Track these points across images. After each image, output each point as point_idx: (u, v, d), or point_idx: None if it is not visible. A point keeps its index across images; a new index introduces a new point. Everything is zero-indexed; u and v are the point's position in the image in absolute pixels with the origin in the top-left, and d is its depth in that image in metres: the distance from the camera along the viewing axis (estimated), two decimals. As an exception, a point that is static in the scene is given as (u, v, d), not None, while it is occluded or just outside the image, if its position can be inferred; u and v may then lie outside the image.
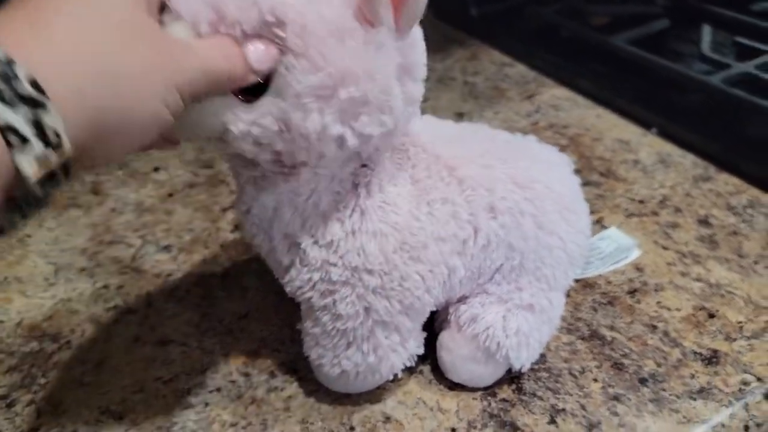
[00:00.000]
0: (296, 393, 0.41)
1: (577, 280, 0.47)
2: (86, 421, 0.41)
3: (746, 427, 0.38)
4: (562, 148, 0.61)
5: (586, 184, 0.57)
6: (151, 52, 0.25)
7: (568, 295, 0.46)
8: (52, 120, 0.22)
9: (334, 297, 0.35)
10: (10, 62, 0.21)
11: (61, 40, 0.23)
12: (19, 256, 0.55)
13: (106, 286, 0.51)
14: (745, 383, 0.40)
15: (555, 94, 0.70)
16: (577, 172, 0.58)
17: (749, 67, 0.62)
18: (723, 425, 0.38)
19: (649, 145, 0.61)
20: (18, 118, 0.21)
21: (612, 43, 0.69)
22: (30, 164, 0.22)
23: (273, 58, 0.28)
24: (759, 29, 0.69)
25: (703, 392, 0.39)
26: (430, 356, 0.43)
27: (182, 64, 0.26)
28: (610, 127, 0.64)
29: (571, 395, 0.40)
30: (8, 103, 0.21)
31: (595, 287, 0.47)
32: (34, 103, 0.21)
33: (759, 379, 0.40)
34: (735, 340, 0.42)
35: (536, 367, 0.42)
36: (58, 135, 0.22)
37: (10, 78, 0.21)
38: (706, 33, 0.69)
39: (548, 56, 0.73)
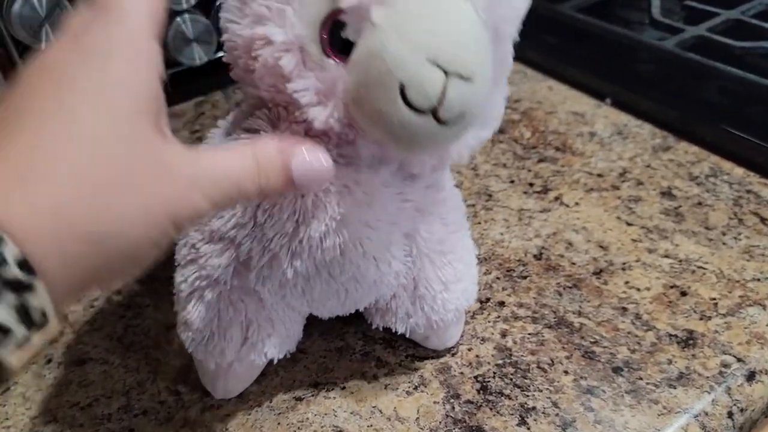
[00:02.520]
0: (234, 411, 0.36)
1: (537, 260, 0.44)
2: (-12, 461, 0.35)
3: (730, 414, 0.35)
4: (515, 124, 0.58)
5: (542, 160, 0.53)
6: (152, 185, 0.21)
7: (530, 281, 0.43)
8: (38, 301, 0.19)
9: None
10: None
11: (45, 191, 0.19)
12: None
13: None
14: (726, 365, 0.37)
15: (503, 67, 0.66)
16: (532, 148, 0.55)
17: (701, 30, 0.59)
18: (706, 413, 0.35)
19: (604, 116, 0.58)
20: (2, 310, 0.18)
21: (560, 11, 0.66)
22: (10, 353, 0.19)
23: (324, 176, 0.25)
24: (708, -8, 0.66)
25: (682, 378, 0.36)
26: (385, 359, 0.38)
27: (193, 194, 0.22)
28: (563, 100, 0.60)
29: (541, 391, 0.36)
30: None
31: (559, 269, 0.43)
32: (20, 287, 0.19)
33: (739, 360, 0.37)
34: (710, 318, 0.39)
35: (501, 362, 0.38)
36: (44, 314, 0.19)
37: None
38: (655, -2, 0.66)
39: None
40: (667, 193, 0.49)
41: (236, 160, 0.24)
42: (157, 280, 0.45)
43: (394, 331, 0.37)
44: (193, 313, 0.33)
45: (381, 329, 0.38)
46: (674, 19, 0.64)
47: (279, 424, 0.35)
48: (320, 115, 0.26)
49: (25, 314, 0.19)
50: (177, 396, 0.37)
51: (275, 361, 0.35)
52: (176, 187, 0.22)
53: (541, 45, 0.65)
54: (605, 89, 0.59)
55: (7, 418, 0.37)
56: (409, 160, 0.30)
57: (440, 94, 0.23)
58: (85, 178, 0.20)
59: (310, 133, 0.27)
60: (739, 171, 0.50)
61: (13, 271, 0.19)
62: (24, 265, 0.19)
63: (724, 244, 0.44)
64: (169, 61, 0.63)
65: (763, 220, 0.46)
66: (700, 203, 0.48)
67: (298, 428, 0.35)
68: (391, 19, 0.23)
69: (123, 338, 0.41)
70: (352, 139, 0.27)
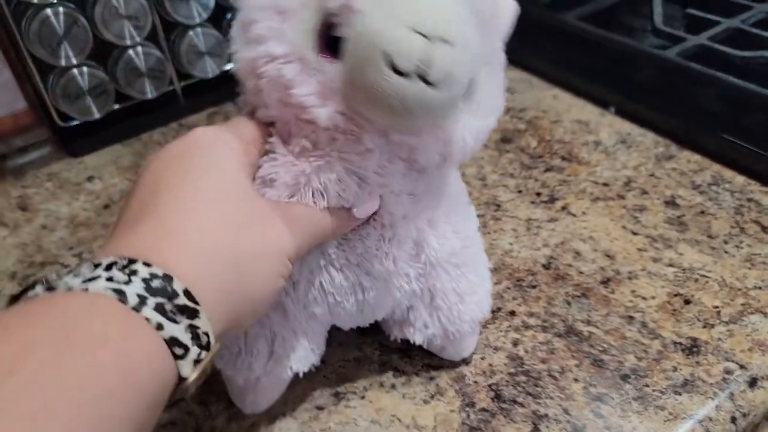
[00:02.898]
0: (258, 421, 0.38)
1: (546, 270, 0.45)
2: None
3: (733, 419, 0.37)
4: (521, 133, 0.59)
5: (548, 169, 0.55)
6: (265, 229, 0.27)
7: (540, 290, 0.44)
8: (203, 324, 0.24)
9: None
10: (167, 278, 0.23)
11: (193, 240, 0.25)
12: (-62, 287, 0.49)
13: (40, 314, 0.46)
14: (728, 372, 0.38)
15: (508, 75, 0.67)
16: (539, 157, 0.56)
17: (702, 39, 0.60)
18: (710, 419, 0.36)
19: (608, 124, 0.59)
20: (180, 330, 0.23)
21: (562, 20, 0.67)
22: (190, 368, 0.23)
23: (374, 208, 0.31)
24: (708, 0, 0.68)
25: (687, 385, 0.38)
26: (402, 368, 0.40)
27: (294, 237, 0.28)
28: (567, 108, 0.62)
29: (553, 399, 0.38)
30: (171, 319, 0.23)
31: (567, 279, 0.45)
32: (190, 314, 0.23)
33: (741, 366, 0.39)
34: (713, 326, 0.41)
35: (514, 370, 0.40)
36: (207, 335, 0.24)
37: (171, 296, 0.23)
38: (657, 5, 0.67)
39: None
40: (670, 202, 0.51)
41: (320, 218, 0.30)
42: (178, 293, 0.46)
43: (412, 342, 0.38)
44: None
45: (398, 341, 0.39)
46: (676, 26, 0.66)
47: (301, 429, 0.37)
48: (323, 114, 0.28)
49: (195, 335, 0.23)
50: (204, 407, 0.39)
51: (300, 375, 0.36)
52: (278, 229, 0.28)
53: (546, 53, 0.66)
54: (609, 98, 0.61)
55: None
56: (415, 148, 0.31)
57: (424, 55, 0.25)
58: (220, 225, 0.26)
59: (318, 145, 0.29)
60: (740, 179, 0.52)
61: (183, 300, 0.23)
62: (189, 295, 0.23)
63: (726, 252, 0.46)
64: (182, 74, 0.64)
65: (763, 228, 0.48)
66: (702, 212, 0.49)
67: (321, 437, 0.37)
68: (373, 2, 0.25)
69: (149, 350, 0.43)
70: (358, 134, 0.29)
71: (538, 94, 0.64)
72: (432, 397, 0.39)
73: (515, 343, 0.41)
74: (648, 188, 0.52)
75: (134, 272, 0.23)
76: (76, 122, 0.60)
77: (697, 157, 0.55)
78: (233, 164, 0.28)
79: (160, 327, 0.22)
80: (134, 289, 0.22)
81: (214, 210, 0.26)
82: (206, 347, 0.24)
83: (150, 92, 0.62)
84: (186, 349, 0.23)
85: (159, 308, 0.22)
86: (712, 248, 0.46)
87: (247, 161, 0.29)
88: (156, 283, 0.23)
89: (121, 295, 0.22)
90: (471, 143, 0.31)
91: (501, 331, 0.42)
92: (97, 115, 0.60)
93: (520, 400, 0.38)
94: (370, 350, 0.41)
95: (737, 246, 0.46)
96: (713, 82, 0.56)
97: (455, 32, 0.25)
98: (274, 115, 0.30)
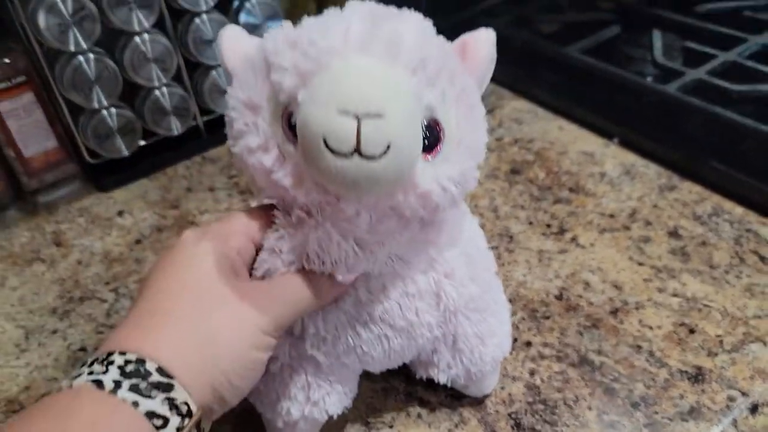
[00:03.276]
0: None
1: (559, 301, 0.48)
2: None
3: (736, 443, 0.40)
4: (530, 165, 0.62)
5: (557, 201, 0.58)
6: (238, 308, 0.30)
7: (553, 320, 0.47)
8: (179, 395, 0.27)
9: None
10: (140, 361, 0.27)
11: (168, 324, 0.29)
12: (-16, 323, 0.52)
13: (83, 348, 0.49)
14: (731, 399, 0.41)
15: (515, 106, 0.70)
16: (547, 188, 0.60)
17: (701, 73, 0.64)
18: (715, 444, 0.39)
19: (612, 156, 0.62)
20: (157, 404, 0.26)
21: (567, 53, 0.70)
22: None
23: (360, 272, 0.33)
24: (705, 33, 0.71)
25: (693, 412, 0.41)
26: (426, 399, 0.43)
27: (271, 312, 0.31)
28: (573, 140, 0.65)
29: (569, 426, 0.41)
30: (147, 396, 0.26)
31: (578, 309, 0.48)
32: (165, 387, 0.27)
33: (744, 394, 0.42)
34: (717, 355, 0.44)
35: (531, 399, 0.42)
36: (187, 404, 0.27)
37: (144, 375, 0.27)
38: (657, 38, 0.70)
39: (504, 68, 0.73)
40: (673, 233, 0.54)
41: (297, 291, 0.32)
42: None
43: (436, 381, 0.41)
44: (259, 383, 0.37)
45: (424, 379, 0.42)
46: (674, 57, 0.69)
47: (337, 462, 0.40)
48: (301, 191, 0.31)
49: (174, 406, 0.27)
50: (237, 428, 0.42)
51: (335, 417, 0.39)
52: (252, 307, 0.30)
53: (551, 85, 0.69)
54: (612, 129, 0.64)
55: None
56: (395, 206, 0.32)
57: (354, 134, 0.27)
58: (194, 309, 0.30)
59: (312, 214, 0.32)
60: (739, 210, 0.55)
61: (157, 378, 0.27)
62: (162, 372, 0.27)
63: (727, 282, 0.49)
64: (204, 110, 0.67)
65: (762, 258, 0.51)
66: (704, 242, 0.52)
67: (355, 466, 0.40)
68: (309, 94, 0.28)
69: (188, 383, 0.46)
70: (336, 203, 0.31)
71: (544, 125, 0.67)
72: (456, 426, 0.41)
73: (532, 373, 0.44)
74: (652, 219, 0.55)
75: (111, 362, 0.27)
76: (104, 159, 0.63)
77: (698, 188, 0.58)
78: (211, 256, 0.31)
79: (136, 404, 0.26)
80: (110, 376, 0.27)
81: (188, 296, 0.30)
82: (188, 414, 0.27)
83: (176, 129, 0.65)
84: (165, 420, 0.26)
85: (134, 388, 0.26)
86: (714, 278, 0.49)
87: (228, 251, 0.32)
88: (130, 368, 0.27)
89: (98, 383, 0.26)
90: (454, 189, 0.31)
91: (518, 361, 0.45)
92: (125, 153, 0.63)
93: (538, 428, 0.41)
94: (396, 382, 0.44)
95: (737, 276, 0.49)
96: (712, 116, 0.59)
97: (381, 103, 0.27)
98: (270, 194, 0.33)
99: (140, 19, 0.58)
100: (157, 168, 0.67)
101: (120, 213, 0.62)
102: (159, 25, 0.60)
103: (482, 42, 0.33)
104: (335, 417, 0.39)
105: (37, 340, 0.50)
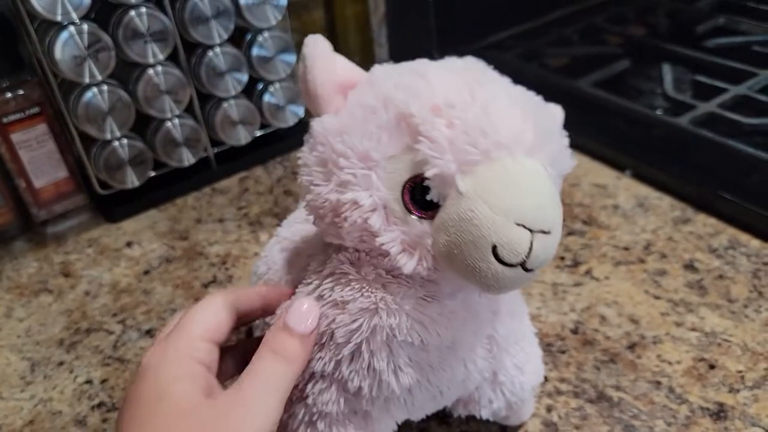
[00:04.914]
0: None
1: (574, 335, 0.48)
2: None
3: (762, 484, 0.38)
4: (542, 197, 0.62)
5: (570, 233, 0.57)
6: (218, 425, 0.28)
7: (569, 355, 0.46)
8: None
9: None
10: None
11: None
12: (-11, 355, 0.51)
13: (89, 381, 0.48)
14: (755, 437, 0.40)
15: (526, 139, 0.70)
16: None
17: (712, 106, 0.63)
18: (740, 484, 0.38)
19: (625, 188, 0.62)
20: None
21: (579, 87, 0.70)
22: None
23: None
24: (715, 67, 0.71)
25: (716, 451, 0.40)
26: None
27: (255, 413, 0.29)
28: (585, 172, 0.65)
29: (589, 465, 0.40)
30: None
31: (595, 344, 0.47)
32: None
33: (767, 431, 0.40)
34: (739, 391, 0.43)
35: (549, 437, 0.41)
36: None
37: None
38: (667, 72, 0.70)
39: (515, 100, 0.74)
40: (689, 266, 0.53)
41: (271, 377, 0.30)
42: (221, 359, 0.48)
43: (478, 417, 0.40)
44: None
45: (462, 417, 0.41)
46: (684, 91, 0.69)
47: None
48: (409, 264, 0.29)
49: None
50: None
51: None
52: (233, 418, 0.29)
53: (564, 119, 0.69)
54: (625, 161, 0.64)
55: (96, 498, 0.40)
56: (490, 294, 0.32)
57: (528, 250, 0.26)
58: None
59: (394, 273, 0.31)
60: (755, 243, 0.54)
61: None
62: None
63: (746, 316, 0.48)
64: (215, 141, 0.67)
65: (780, 292, 0.50)
66: (721, 276, 0.52)
67: (368, 505, 0.38)
68: (476, 189, 0.26)
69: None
70: (435, 280, 0.31)
71: (555, 157, 0.67)
72: (472, 463, 0.40)
73: (549, 409, 0.43)
74: (667, 252, 0.54)
75: None
76: (114, 190, 0.63)
77: (712, 220, 0.57)
78: (179, 384, 0.29)
79: None
80: None
81: (166, 424, 0.28)
82: None
83: (187, 160, 0.65)
84: None
85: None
86: (732, 312, 0.49)
87: (194, 370, 0.30)
88: None
89: None
90: None
91: (534, 396, 0.44)
92: (136, 184, 0.63)
93: (556, 466, 0.40)
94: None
95: (756, 310, 0.49)
96: (724, 149, 0.59)
97: (552, 221, 0.27)
98: (348, 245, 0.31)
99: (155, 52, 0.58)
100: (166, 199, 0.67)
101: (129, 244, 0.62)
102: (172, 58, 0.61)
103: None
104: None
105: (42, 372, 0.49)
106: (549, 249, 0.27)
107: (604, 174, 0.64)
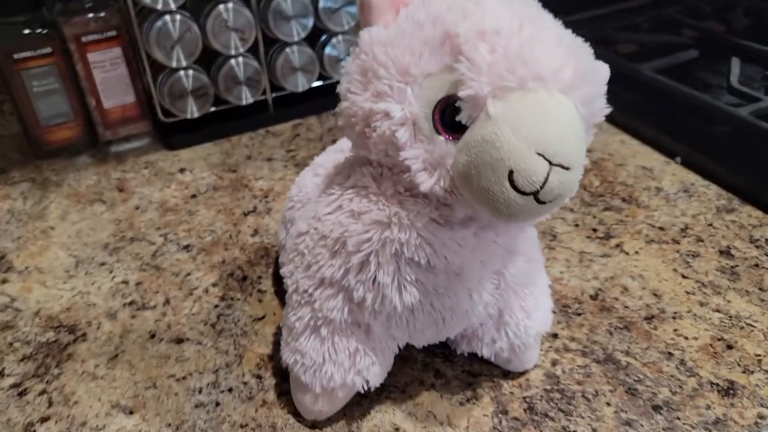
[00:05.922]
0: (307, 398, 0.41)
1: (593, 300, 0.47)
2: (96, 414, 0.41)
3: (761, 462, 0.37)
4: (586, 172, 0.61)
5: (607, 209, 0.57)
6: None
7: (584, 318, 0.46)
8: None
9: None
10: None
11: None
12: (41, 247, 0.56)
13: (125, 282, 0.52)
14: (762, 417, 0.39)
15: (580, 118, 0.70)
16: (600, 196, 0.58)
17: (779, 100, 0.61)
18: (737, 458, 0.37)
19: (672, 173, 0.61)
20: None
21: (640, 71, 0.69)
22: None
23: None
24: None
25: (718, 424, 0.39)
26: (443, 371, 0.43)
27: None
28: (633, 154, 0.64)
29: (583, 418, 0.39)
30: None
31: (612, 311, 0.47)
32: None
33: (776, 414, 0.39)
34: (753, 372, 0.42)
35: (549, 387, 0.41)
36: None
37: None
38: (735, 65, 0.68)
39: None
40: (725, 252, 0.52)
41: None
42: (247, 279, 0.51)
43: (480, 356, 0.41)
44: (307, 344, 0.37)
45: (465, 354, 0.42)
46: (754, 87, 0.67)
47: (344, 414, 0.40)
48: (427, 182, 0.30)
49: None
50: (258, 379, 0.43)
51: (372, 389, 0.39)
52: None
53: (619, 101, 0.68)
54: (676, 148, 0.62)
55: (114, 380, 0.43)
56: (501, 223, 0.34)
57: (544, 180, 0.27)
58: None
59: (412, 192, 0.32)
60: (800, 239, 0.52)
61: None
62: None
63: (775, 305, 0.47)
64: (275, 86, 0.70)
65: (817, 287, 0.48)
66: (757, 265, 0.50)
67: (360, 419, 0.40)
68: (506, 114, 0.27)
69: (216, 325, 0.47)
70: (450, 203, 0.32)
71: (606, 137, 0.66)
72: (468, 400, 0.41)
73: (554, 363, 0.43)
74: (704, 237, 0.53)
75: None
76: (175, 119, 0.67)
77: (758, 213, 0.55)
78: None
79: None
80: None
81: None
82: None
83: (245, 99, 0.68)
84: None
85: None
86: (762, 300, 0.47)
87: None
88: None
89: None
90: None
91: (542, 350, 0.44)
92: (195, 115, 0.66)
93: (551, 414, 0.40)
94: (416, 352, 0.44)
95: (788, 301, 0.47)
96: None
97: (573, 157, 0.27)
98: (373, 159, 0.33)
99: (226, -12, 0.61)
100: (222, 135, 0.70)
101: (181, 170, 0.65)
102: (243, -3, 0.64)
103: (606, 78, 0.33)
104: (372, 389, 0.39)
105: (85, 269, 0.53)
106: (565, 185, 0.28)
107: (652, 158, 0.63)
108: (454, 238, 0.33)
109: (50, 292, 0.51)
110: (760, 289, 0.48)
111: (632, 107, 0.68)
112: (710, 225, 0.54)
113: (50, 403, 0.42)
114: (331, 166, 0.42)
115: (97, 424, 0.40)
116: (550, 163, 0.27)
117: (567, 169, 0.27)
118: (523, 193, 0.27)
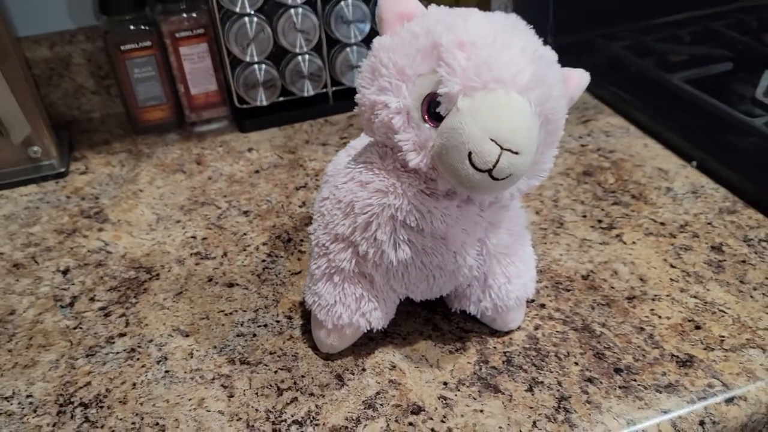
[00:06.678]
0: (324, 336, 0.50)
1: (584, 280, 0.54)
2: (161, 335, 0.52)
3: (701, 422, 0.43)
4: (603, 170, 0.67)
5: (616, 203, 0.63)
6: None
7: (572, 294, 0.53)
8: None
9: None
10: None
11: None
12: (131, 205, 0.68)
13: (194, 237, 0.62)
14: (711, 386, 0.45)
15: (610, 121, 0.75)
16: (612, 192, 0.64)
17: (795, 114, 0.65)
18: (680, 417, 0.43)
19: (685, 176, 0.66)
20: None
21: (670, 80, 0.74)
22: None
23: None
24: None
25: (669, 387, 0.45)
26: (440, 326, 0.51)
27: None
28: (653, 156, 0.69)
29: (552, 372, 0.46)
30: None
31: (598, 290, 0.53)
32: None
33: (725, 385, 0.45)
34: (713, 350, 0.47)
35: (528, 346, 0.49)
36: None
37: None
38: (765, 78, 0.72)
39: (611, 87, 0.78)
40: (716, 248, 0.56)
41: None
42: (291, 241, 0.61)
43: (468, 313, 0.49)
44: (323, 288, 0.46)
45: (457, 311, 0.50)
46: (779, 98, 0.70)
47: (353, 351, 0.49)
48: (415, 159, 0.39)
49: None
50: (289, 320, 0.52)
51: (374, 331, 0.47)
52: None
53: (648, 107, 0.74)
54: (694, 153, 0.67)
55: (177, 311, 0.54)
56: (473, 196, 0.42)
57: (495, 161, 0.35)
58: None
59: (406, 168, 0.40)
60: (792, 241, 0.56)
61: None
62: None
63: (751, 297, 0.51)
64: (335, 81, 0.79)
65: (796, 284, 0.52)
66: (744, 261, 0.55)
67: (365, 357, 0.48)
68: (470, 108, 0.35)
69: (261, 275, 0.57)
70: (434, 178, 0.40)
71: (631, 140, 0.72)
72: (457, 350, 0.49)
73: (536, 328, 0.50)
74: (701, 233, 0.58)
75: None
76: (248, 106, 0.78)
77: (759, 216, 0.59)
78: None
79: None
80: None
81: None
82: None
83: (307, 91, 0.78)
84: None
85: None
86: (740, 291, 0.52)
87: None
88: None
89: None
90: (517, 194, 0.42)
91: (528, 316, 0.51)
92: (264, 103, 0.77)
93: (525, 367, 0.47)
94: (420, 308, 0.52)
95: (765, 294, 0.52)
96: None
97: (522, 145, 0.35)
98: (378, 140, 0.42)
99: (295, -5, 0.71)
100: (287, 121, 0.80)
101: (249, 149, 0.76)
102: (310, 2, 0.73)
103: (581, 84, 0.41)
104: (374, 331, 0.47)
105: (164, 225, 0.64)
106: (514, 166, 0.35)
107: (671, 161, 0.68)
108: (439, 207, 0.41)
109: (135, 240, 0.62)
110: (741, 281, 0.53)
111: (659, 113, 0.73)
112: (709, 224, 0.59)
113: (127, 324, 0.53)
114: (360, 146, 0.51)
115: (161, 342, 0.51)
116: (501, 148, 0.35)
117: (516, 153, 0.35)
118: (480, 171, 0.35)
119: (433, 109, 0.37)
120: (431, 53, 0.37)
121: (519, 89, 0.35)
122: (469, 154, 0.35)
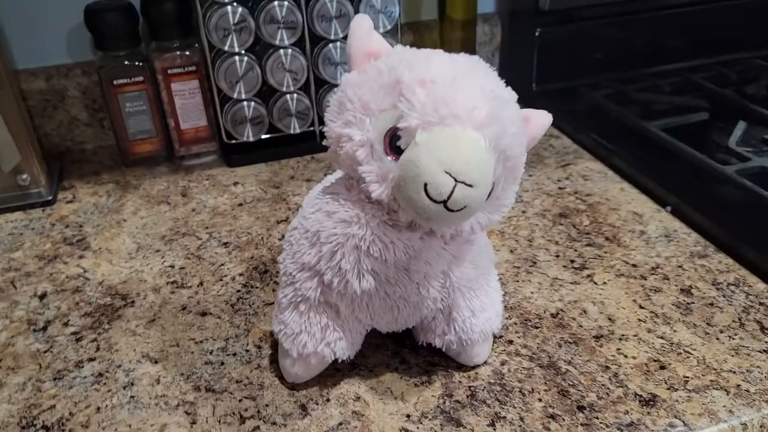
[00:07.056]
0: (291, 365, 0.50)
1: (553, 318, 0.54)
2: (130, 360, 0.52)
3: (661, 462, 0.43)
4: (579, 213, 0.68)
5: (589, 245, 0.64)
6: None
7: (540, 331, 0.53)
8: None
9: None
10: None
11: None
12: (113, 234, 0.69)
13: (172, 266, 0.63)
14: (672, 426, 0.45)
15: (588, 166, 0.77)
16: (586, 234, 0.65)
17: (765, 161, 0.66)
18: (640, 455, 0.43)
19: (660, 220, 0.67)
20: None
21: (648, 128, 0.76)
22: None
23: None
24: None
25: (630, 426, 0.45)
26: (408, 360, 0.51)
27: None
28: (629, 200, 0.70)
29: (515, 408, 0.46)
30: None
31: (567, 328, 0.53)
32: None
33: (686, 425, 0.45)
34: (676, 390, 0.47)
35: (493, 381, 0.49)
36: None
37: None
38: (740, 128, 0.74)
39: (592, 133, 0.80)
40: (686, 290, 0.57)
41: None
42: (268, 273, 0.61)
43: (434, 346, 0.49)
44: (289, 317, 0.47)
45: (424, 344, 0.50)
46: (749, 148, 0.72)
47: (319, 382, 0.49)
48: (377, 191, 0.40)
49: None
50: (258, 349, 0.53)
51: (339, 361, 0.48)
52: None
53: (626, 153, 0.75)
54: (669, 199, 0.68)
55: (148, 338, 0.54)
56: (434, 228, 0.43)
57: (449, 193, 0.36)
58: None
59: (370, 199, 0.41)
60: (761, 286, 0.57)
61: None
62: None
63: (717, 339, 0.52)
64: (322, 120, 0.81)
65: (763, 328, 0.53)
66: (712, 304, 0.55)
67: (331, 387, 0.49)
68: (427, 141, 0.36)
69: (235, 305, 0.58)
70: (396, 209, 0.41)
71: (608, 185, 0.73)
72: (422, 383, 0.49)
73: (503, 363, 0.50)
74: (671, 276, 0.59)
75: None
76: (236, 141, 0.79)
77: (729, 261, 0.60)
78: None
79: None
80: None
81: None
82: None
83: (294, 129, 0.79)
84: None
85: None
86: (706, 333, 0.52)
87: None
88: None
89: None
90: (479, 229, 0.42)
91: (495, 352, 0.51)
92: (251, 139, 0.79)
93: (488, 402, 0.47)
94: (389, 341, 0.53)
95: (731, 337, 0.52)
96: (759, 199, 0.62)
97: (476, 178, 0.36)
98: (343, 170, 0.43)
99: (284, 37, 0.74)
100: (274, 158, 0.82)
101: (235, 183, 0.77)
102: (299, 44, 0.76)
103: (543, 124, 0.43)
104: (339, 361, 0.48)
105: (143, 253, 0.65)
106: (469, 198, 0.36)
107: (646, 206, 0.69)
108: (401, 239, 0.42)
109: (113, 268, 0.63)
110: (708, 324, 0.53)
111: (637, 159, 0.74)
112: (680, 267, 0.60)
113: (98, 348, 0.53)
114: (333, 180, 0.52)
115: (129, 368, 0.51)
116: (456, 180, 0.36)
117: (471, 186, 0.36)
118: (435, 202, 0.36)
119: (394, 142, 0.38)
120: (393, 89, 0.39)
121: (475, 125, 0.37)
122: (425, 185, 0.36)
